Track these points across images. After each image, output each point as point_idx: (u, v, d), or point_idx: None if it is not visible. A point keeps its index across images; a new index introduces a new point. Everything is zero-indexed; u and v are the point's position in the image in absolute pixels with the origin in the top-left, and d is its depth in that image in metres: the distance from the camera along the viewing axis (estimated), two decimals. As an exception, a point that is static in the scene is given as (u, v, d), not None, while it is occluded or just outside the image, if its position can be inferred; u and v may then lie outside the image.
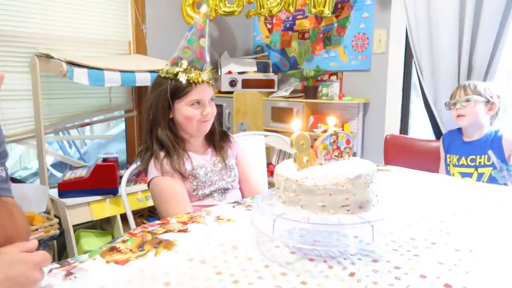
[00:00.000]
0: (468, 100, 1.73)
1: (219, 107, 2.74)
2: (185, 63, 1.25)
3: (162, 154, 1.25)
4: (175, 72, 1.25)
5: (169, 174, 1.22)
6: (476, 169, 1.72)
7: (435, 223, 0.89)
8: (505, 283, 0.63)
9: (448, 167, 1.82)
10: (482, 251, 0.74)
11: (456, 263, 0.69)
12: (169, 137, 1.26)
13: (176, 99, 1.26)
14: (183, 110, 1.26)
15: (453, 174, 1.79)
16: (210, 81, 1.31)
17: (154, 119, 1.27)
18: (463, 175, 1.75)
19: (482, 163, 1.70)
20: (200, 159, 1.32)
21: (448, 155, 1.83)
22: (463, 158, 1.76)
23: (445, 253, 0.73)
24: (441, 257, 0.72)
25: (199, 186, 1.28)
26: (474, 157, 1.73)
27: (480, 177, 1.71)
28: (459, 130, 1.85)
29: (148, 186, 1.27)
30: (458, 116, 1.76)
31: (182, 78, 1.24)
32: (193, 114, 1.26)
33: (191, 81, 1.25)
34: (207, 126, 1.32)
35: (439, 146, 1.93)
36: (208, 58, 1.30)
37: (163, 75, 1.28)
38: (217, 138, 1.39)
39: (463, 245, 0.77)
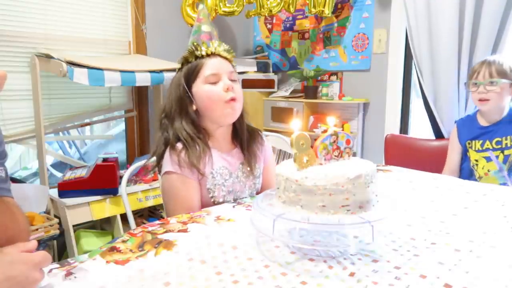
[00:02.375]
0: (492, 83, 1.59)
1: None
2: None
3: (179, 145, 1.10)
4: (184, 57, 1.16)
5: (186, 168, 1.08)
6: (502, 152, 1.64)
7: (435, 223, 0.89)
8: (505, 283, 0.63)
9: (468, 153, 1.74)
10: (482, 251, 0.74)
11: (456, 263, 0.69)
12: (187, 130, 1.11)
13: (192, 84, 1.14)
14: (201, 91, 1.12)
15: (476, 160, 1.69)
16: (225, 54, 1.17)
17: (169, 114, 1.14)
18: (488, 159, 1.66)
19: (509, 145, 1.62)
20: (222, 160, 1.16)
21: (468, 142, 1.73)
22: (488, 142, 1.66)
23: (445, 253, 0.73)
24: (441, 257, 0.72)
25: (217, 188, 1.14)
26: (499, 139, 1.64)
27: (506, 159, 1.63)
28: (475, 115, 1.75)
29: (160, 177, 1.16)
30: (481, 100, 1.63)
31: (191, 57, 1.15)
32: (212, 91, 1.11)
33: (200, 55, 1.14)
34: (236, 107, 1.14)
35: (439, 146, 1.92)
36: (216, 38, 1.21)
37: (176, 71, 1.19)
38: (246, 137, 1.21)
39: (463, 245, 0.77)
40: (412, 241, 0.79)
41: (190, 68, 1.14)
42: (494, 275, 0.65)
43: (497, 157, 1.64)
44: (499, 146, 1.65)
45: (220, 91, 1.11)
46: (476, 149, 1.71)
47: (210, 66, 1.13)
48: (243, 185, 1.19)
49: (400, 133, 2.54)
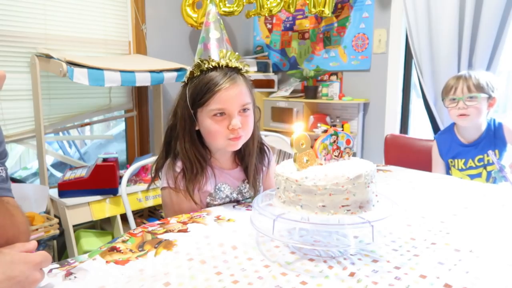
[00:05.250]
0: (472, 98, 1.56)
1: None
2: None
3: (179, 165, 1.06)
4: (189, 72, 1.04)
5: (181, 192, 1.04)
6: (485, 168, 1.62)
7: (435, 223, 0.89)
8: (505, 283, 0.63)
9: (450, 171, 1.71)
10: (482, 251, 0.74)
11: (456, 263, 0.69)
12: (188, 152, 1.04)
13: (197, 108, 1.02)
14: (204, 123, 1.02)
15: (461, 178, 1.67)
16: (241, 71, 1.03)
17: (172, 129, 1.07)
18: (472, 177, 1.64)
19: (490, 161, 1.60)
20: (225, 176, 1.11)
21: (450, 160, 1.71)
22: (470, 160, 1.64)
23: (445, 253, 0.73)
24: (441, 257, 0.72)
25: (215, 202, 1.11)
26: (481, 156, 1.62)
27: (489, 175, 1.61)
28: (453, 131, 1.72)
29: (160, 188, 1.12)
30: (460, 115, 1.59)
31: (197, 71, 1.02)
32: (215, 129, 1.00)
33: (210, 70, 1.00)
34: (239, 145, 1.04)
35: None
36: (228, 48, 1.08)
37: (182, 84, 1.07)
38: (253, 160, 1.11)
39: (463, 245, 0.77)
40: (412, 241, 0.79)
41: (197, 91, 1.00)
42: (494, 275, 0.65)
43: (480, 174, 1.63)
44: (482, 163, 1.63)
45: (225, 130, 1.00)
46: (460, 168, 1.68)
47: (220, 100, 0.98)
48: (240, 196, 1.15)
49: (400, 133, 2.54)
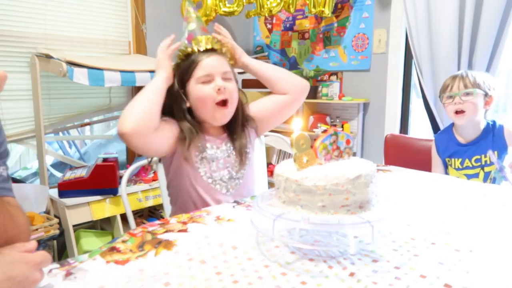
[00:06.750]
0: (468, 94, 1.56)
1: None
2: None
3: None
4: (175, 65, 1.17)
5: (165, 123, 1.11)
6: (482, 169, 1.62)
7: (435, 223, 0.89)
8: (505, 283, 0.63)
9: (447, 170, 1.72)
10: (482, 251, 0.74)
11: (456, 263, 0.69)
12: (187, 123, 1.13)
13: (186, 83, 1.14)
14: (193, 92, 1.13)
15: (458, 178, 1.70)
16: (218, 49, 1.17)
17: (165, 111, 1.12)
18: (469, 177, 1.64)
19: (488, 162, 1.60)
20: (213, 140, 1.18)
21: (447, 159, 1.71)
22: (467, 160, 1.65)
23: (445, 253, 0.73)
24: (441, 257, 0.72)
25: (207, 167, 1.15)
26: (478, 157, 1.62)
27: (486, 176, 1.61)
28: (451, 130, 1.72)
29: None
30: (457, 112, 1.59)
31: (182, 56, 1.16)
32: (204, 92, 1.11)
33: (192, 53, 1.14)
34: (226, 114, 1.14)
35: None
36: (202, 31, 1.19)
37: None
38: (239, 128, 1.20)
39: (463, 245, 0.77)
40: (412, 241, 0.79)
41: (184, 67, 1.14)
42: (494, 275, 0.65)
43: (477, 174, 1.62)
44: (479, 164, 1.62)
45: (211, 92, 1.11)
46: (456, 167, 1.68)
47: (203, 66, 1.12)
48: (229, 169, 1.18)
49: (400, 133, 2.55)
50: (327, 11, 2.45)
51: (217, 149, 1.18)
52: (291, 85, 1.26)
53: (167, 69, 1.13)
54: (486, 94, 1.58)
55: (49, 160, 3.38)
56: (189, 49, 1.16)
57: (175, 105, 1.14)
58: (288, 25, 3.10)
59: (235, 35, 3.27)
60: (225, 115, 1.14)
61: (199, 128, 1.16)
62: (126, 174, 1.40)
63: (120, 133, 1.00)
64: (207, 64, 1.12)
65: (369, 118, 2.69)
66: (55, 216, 2.07)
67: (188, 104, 1.15)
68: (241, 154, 1.19)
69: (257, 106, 1.28)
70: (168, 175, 1.21)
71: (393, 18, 2.49)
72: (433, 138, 1.82)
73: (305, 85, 1.29)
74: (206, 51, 1.16)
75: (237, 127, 1.21)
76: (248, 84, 2.89)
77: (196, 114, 1.16)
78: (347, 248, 0.75)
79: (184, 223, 0.91)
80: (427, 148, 1.85)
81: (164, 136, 1.10)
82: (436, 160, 1.78)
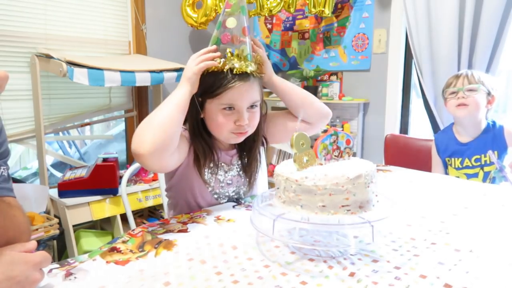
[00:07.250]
0: (471, 90, 1.57)
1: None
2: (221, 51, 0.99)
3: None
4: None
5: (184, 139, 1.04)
6: (482, 168, 1.62)
7: (435, 223, 0.89)
8: (505, 283, 0.63)
9: (447, 170, 1.72)
10: (482, 251, 0.74)
11: (456, 263, 0.69)
12: (197, 138, 1.06)
13: (208, 98, 1.02)
14: (212, 114, 1.03)
15: (457, 177, 1.65)
16: (255, 74, 1.01)
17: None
18: (469, 176, 1.64)
19: (488, 162, 1.60)
20: (223, 155, 1.13)
21: (447, 159, 1.71)
22: (467, 160, 1.65)
23: (445, 253, 0.74)
24: (441, 257, 0.72)
25: (216, 185, 1.12)
26: (478, 156, 1.62)
27: (486, 176, 1.61)
28: (451, 130, 1.73)
29: None
30: (459, 105, 1.60)
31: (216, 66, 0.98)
32: (222, 122, 1.02)
33: (226, 75, 0.98)
34: (242, 139, 1.08)
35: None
36: (248, 48, 1.00)
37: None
38: (254, 155, 1.14)
39: (463, 245, 0.77)
40: (412, 241, 0.79)
41: (211, 83, 1.00)
42: (494, 275, 0.65)
43: (476, 174, 1.62)
44: (478, 164, 1.62)
45: (231, 124, 1.02)
46: (456, 166, 1.68)
47: (230, 97, 0.99)
48: (236, 188, 1.15)
49: (400, 133, 2.54)
50: (327, 11, 2.45)
51: (228, 167, 1.14)
52: (315, 113, 1.18)
53: (194, 84, 0.98)
54: (489, 93, 1.59)
55: (49, 160, 3.38)
56: (221, 67, 0.99)
57: (189, 111, 1.02)
58: (288, 25, 3.10)
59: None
60: (241, 139, 1.08)
61: (211, 142, 1.10)
62: (126, 174, 1.40)
63: (137, 154, 0.89)
64: (237, 96, 0.99)
65: (369, 118, 2.69)
66: (55, 216, 2.07)
67: (202, 115, 1.06)
68: (250, 177, 1.16)
69: (273, 122, 1.22)
70: (171, 180, 1.16)
71: (393, 18, 2.49)
72: (433, 138, 1.82)
73: (328, 114, 1.22)
74: (241, 73, 1.00)
75: (249, 145, 1.14)
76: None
77: (208, 128, 1.08)
78: (347, 248, 0.75)
79: (184, 223, 0.91)
80: (427, 148, 1.85)
81: (181, 157, 1.04)
82: (436, 160, 1.78)
